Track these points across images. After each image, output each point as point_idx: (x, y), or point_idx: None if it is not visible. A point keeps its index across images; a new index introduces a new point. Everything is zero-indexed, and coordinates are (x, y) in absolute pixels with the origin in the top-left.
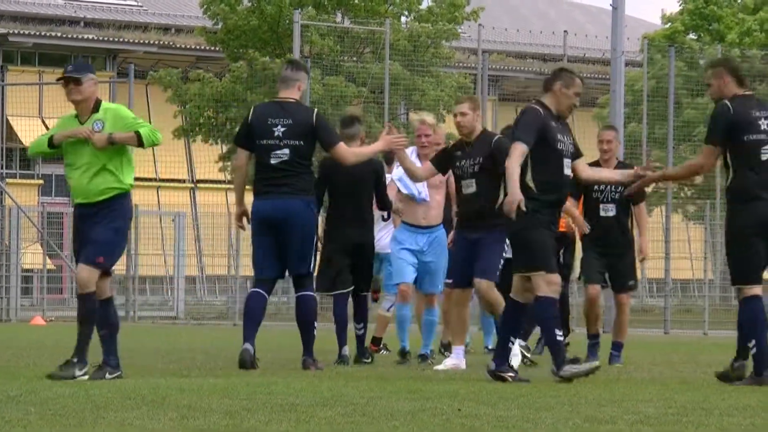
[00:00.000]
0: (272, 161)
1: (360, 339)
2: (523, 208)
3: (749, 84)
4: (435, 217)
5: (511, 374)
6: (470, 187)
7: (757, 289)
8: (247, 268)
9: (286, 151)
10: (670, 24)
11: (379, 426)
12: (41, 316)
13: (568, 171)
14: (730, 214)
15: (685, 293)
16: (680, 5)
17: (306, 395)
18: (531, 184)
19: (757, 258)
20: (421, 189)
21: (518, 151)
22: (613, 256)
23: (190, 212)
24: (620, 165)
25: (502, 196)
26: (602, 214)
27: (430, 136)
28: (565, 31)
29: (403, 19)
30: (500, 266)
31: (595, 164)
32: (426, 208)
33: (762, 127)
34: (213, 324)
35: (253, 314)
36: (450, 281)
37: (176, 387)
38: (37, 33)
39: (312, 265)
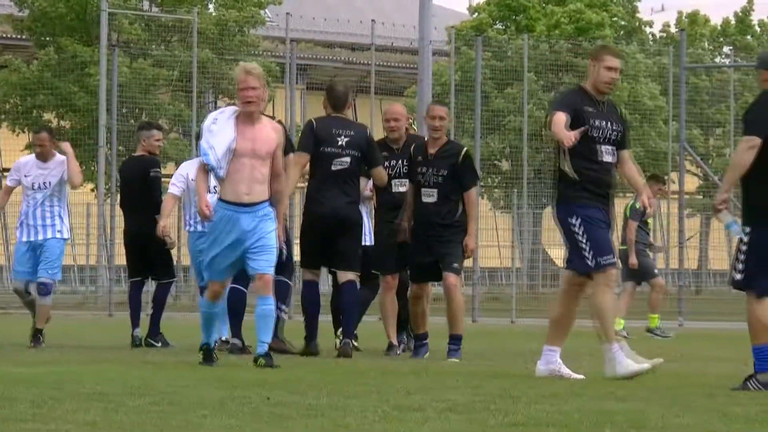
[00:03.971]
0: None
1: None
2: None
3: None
4: (261, 193)
5: None
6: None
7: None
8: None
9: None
10: (477, 15)
11: (188, 415)
12: None
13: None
14: None
15: (492, 281)
16: None
17: (114, 384)
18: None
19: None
20: (221, 161)
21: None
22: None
23: None
24: (449, 144)
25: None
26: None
27: (258, 90)
28: (372, 20)
29: (210, 6)
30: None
31: (422, 143)
32: (250, 181)
33: (339, 143)
34: (20, 313)
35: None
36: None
37: None
38: None
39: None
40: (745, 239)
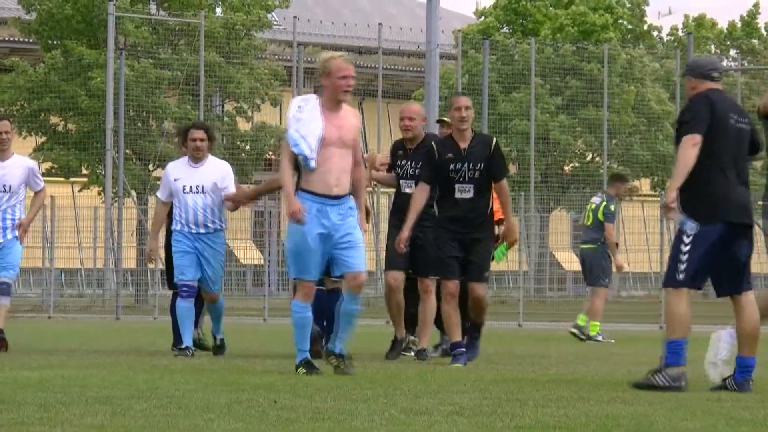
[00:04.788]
0: None
1: None
2: None
3: None
4: (347, 184)
5: None
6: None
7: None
8: (61, 261)
9: None
10: (483, 18)
11: (195, 419)
12: None
13: None
14: None
15: (499, 285)
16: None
17: (121, 388)
18: None
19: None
20: (313, 150)
21: None
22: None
23: None
24: (478, 137)
25: None
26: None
27: (353, 80)
28: (379, 24)
29: (217, 10)
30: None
31: (449, 137)
32: (339, 172)
33: None
34: (27, 317)
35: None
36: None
37: None
38: None
39: None
40: (687, 240)
